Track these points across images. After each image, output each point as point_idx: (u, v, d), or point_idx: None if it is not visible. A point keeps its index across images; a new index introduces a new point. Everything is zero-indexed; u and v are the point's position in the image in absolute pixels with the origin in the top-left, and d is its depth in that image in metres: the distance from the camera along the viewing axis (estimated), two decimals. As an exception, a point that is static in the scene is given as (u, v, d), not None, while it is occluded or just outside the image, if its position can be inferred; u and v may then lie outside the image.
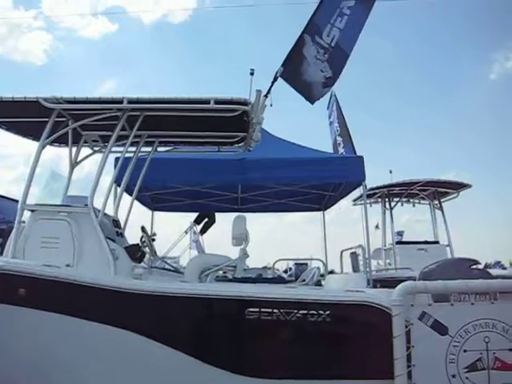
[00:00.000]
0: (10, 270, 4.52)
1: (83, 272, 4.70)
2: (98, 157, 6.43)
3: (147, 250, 6.19)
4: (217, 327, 4.61)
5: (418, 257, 10.48)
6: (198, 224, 9.93)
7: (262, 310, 4.49)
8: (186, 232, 11.44)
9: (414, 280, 5.25)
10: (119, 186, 6.54)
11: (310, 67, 6.25)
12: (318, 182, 8.79)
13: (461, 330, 4.65)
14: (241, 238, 5.92)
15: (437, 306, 4.69)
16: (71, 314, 4.48)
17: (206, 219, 9.98)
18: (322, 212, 11.36)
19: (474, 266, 6.09)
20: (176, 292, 4.60)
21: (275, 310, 4.50)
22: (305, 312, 4.51)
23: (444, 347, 4.63)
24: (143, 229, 6.33)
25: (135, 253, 5.44)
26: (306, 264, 11.45)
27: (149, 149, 6.78)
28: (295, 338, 4.64)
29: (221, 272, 6.84)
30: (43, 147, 5.44)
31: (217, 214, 9.94)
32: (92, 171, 6.10)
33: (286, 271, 14.35)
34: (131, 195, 6.86)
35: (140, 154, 6.67)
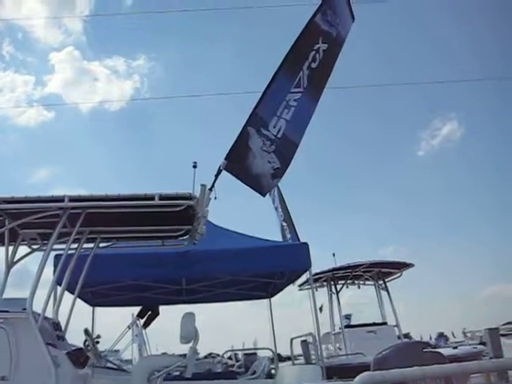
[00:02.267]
0: None
1: None
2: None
3: (91, 354, 5.87)
4: None
5: (368, 339, 10.47)
6: (142, 318, 9.62)
7: None
8: (128, 327, 10.99)
9: (368, 366, 5.19)
10: (59, 284, 6.26)
11: (256, 159, 6.34)
12: (264, 270, 8.73)
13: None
14: (190, 336, 5.74)
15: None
16: None
17: (150, 312, 9.70)
18: (268, 299, 11.21)
19: (426, 349, 6.11)
20: None
21: None
22: None
23: None
24: (87, 331, 6.05)
25: (78, 358, 5.14)
26: (255, 354, 11.15)
27: (90, 245, 6.59)
28: None
29: None
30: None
31: (161, 307, 9.71)
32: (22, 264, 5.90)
33: (230, 358, 13.79)
34: (71, 292, 6.58)
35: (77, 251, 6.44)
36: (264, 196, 6.76)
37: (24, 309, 4.95)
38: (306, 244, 8.20)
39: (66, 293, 6.43)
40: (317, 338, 7.89)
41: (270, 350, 10.28)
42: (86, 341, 5.98)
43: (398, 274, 12.05)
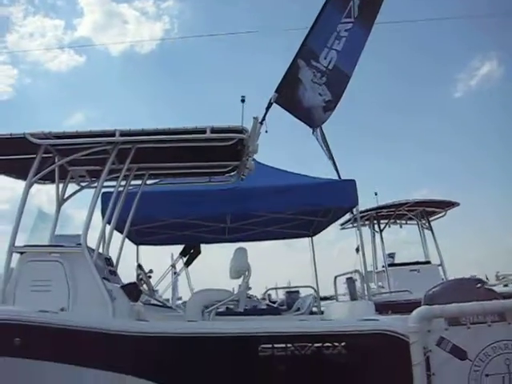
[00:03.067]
0: (3, 318, 4.21)
1: (80, 316, 4.42)
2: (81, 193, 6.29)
3: (144, 287, 5.93)
4: (229, 366, 4.37)
5: (411, 278, 10.38)
6: (184, 256, 9.69)
7: (275, 345, 4.28)
8: (172, 266, 11.14)
9: (416, 303, 5.09)
10: (108, 222, 6.28)
11: (306, 91, 6.14)
12: (309, 207, 8.64)
13: (480, 354, 4.50)
14: (242, 270, 5.72)
15: (454, 330, 4.54)
16: (72, 363, 4.18)
17: (192, 251, 9.76)
18: (310, 238, 11.20)
19: (480, 286, 5.97)
20: (186, 332, 4.36)
21: (289, 345, 4.29)
22: (319, 345, 4.32)
23: (465, 373, 4.46)
24: (140, 266, 6.10)
25: (132, 292, 5.18)
26: (298, 292, 11.21)
27: (137, 182, 6.57)
28: (311, 373, 4.44)
29: None
30: (31, 185, 5.20)
31: (203, 246, 9.77)
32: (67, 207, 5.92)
33: (264, 298, 13.91)
34: (118, 231, 6.62)
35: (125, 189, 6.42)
36: (315, 129, 6.59)
37: (78, 244, 4.97)
38: (353, 181, 8.06)
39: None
40: (363, 275, 7.85)
41: (312, 287, 10.30)
42: (139, 275, 6.04)
43: (443, 213, 11.84)
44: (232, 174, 6.49)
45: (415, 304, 4.92)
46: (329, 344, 4.32)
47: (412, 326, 4.39)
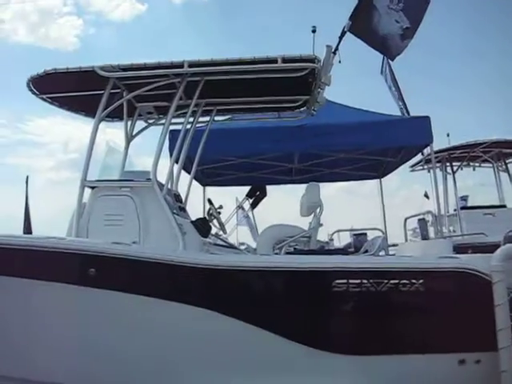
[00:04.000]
0: (79, 249, 4.26)
1: (153, 249, 4.42)
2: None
3: (215, 223, 5.91)
4: (303, 301, 4.30)
5: (485, 222, 9.94)
6: (251, 198, 9.64)
7: (351, 281, 4.15)
8: (239, 207, 11.14)
9: (493, 246, 4.82)
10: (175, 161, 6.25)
11: (382, 18, 5.75)
12: (381, 145, 8.34)
13: None
14: (314, 206, 5.59)
15: (541, 269, 4.26)
16: (145, 294, 4.21)
17: (258, 193, 9.68)
18: (379, 180, 10.91)
19: None
20: (261, 266, 4.29)
21: (364, 281, 4.15)
22: (396, 282, 4.16)
23: (550, 314, 4.22)
24: (210, 201, 6.05)
25: (203, 227, 5.14)
26: (365, 234, 10.99)
27: (205, 119, 6.48)
28: (386, 310, 4.31)
29: None
30: (100, 121, 5.18)
31: (268, 187, 9.66)
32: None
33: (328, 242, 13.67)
34: (185, 171, 6.61)
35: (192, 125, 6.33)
36: (393, 60, 6.21)
37: (148, 179, 4.95)
38: (427, 117, 7.68)
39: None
40: (437, 216, 7.57)
41: (380, 230, 10.09)
42: (209, 210, 6.02)
43: (521, 155, 11.22)
44: (302, 109, 6.27)
45: (493, 246, 4.67)
46: (406, 281, 4.15)
47: (495, 265, 4.16)
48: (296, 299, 4.28)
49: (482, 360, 4.23)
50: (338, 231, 10.70)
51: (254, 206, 10.61)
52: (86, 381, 4.35)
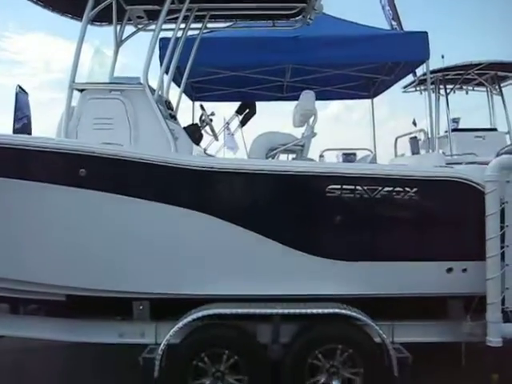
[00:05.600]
0: (70, 149, 4.16)
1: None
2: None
3: (207, 129, 5.81)
4: (295, 206, 4.30)
5: (476, 144, 9.95)
6: (240, 114, 9.46)
7: (344, 186, 4.13)
8: (228, 123, 10.97)
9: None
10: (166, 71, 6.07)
11: None
12: (378, 59, 8.14)
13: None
14: (309, 114, 5.49)
15: (534, 182, 4.28)
16: (135, 195, 4.17)
17: (247, 110, 9.49)
18: (370, 100, 10.76)
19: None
20: (254, 169, 4.23)
21: (358, 187, 4.14)
22: (390, 189, 4.15)
23: (541, 226, 4.27)
24: (202, 107, 5.92)
25: (194, 133, 5.05)
26: (355, 154, 10.97)
27: (197, 25, 6.23)
28: (379, 217, 4.33)
29: None
30: (88, 22, 4.94)
31: (259, 105, 9.45)
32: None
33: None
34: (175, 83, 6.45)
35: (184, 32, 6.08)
36: None
37: (139, 83, 4.80)
38: (425, 33, 7.46)
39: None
40: (430, 133, 7.53)
41: (369, 150, 10.06)
42: (201, 115, 5.90)
43: (516, 79, 11.08)
44: (298, 18, 6.04)
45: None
46: (400, 189, 4.15)
47: (489, 175, 4.18)
48: (289, 203, 4.29)
49: (469, 269, 4.32)
50: (328, 150, 10.63)
51: (243, 123, 10.44)
52: (74, 281, 4.38)
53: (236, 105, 9.40)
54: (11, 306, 4.92)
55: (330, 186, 4.13)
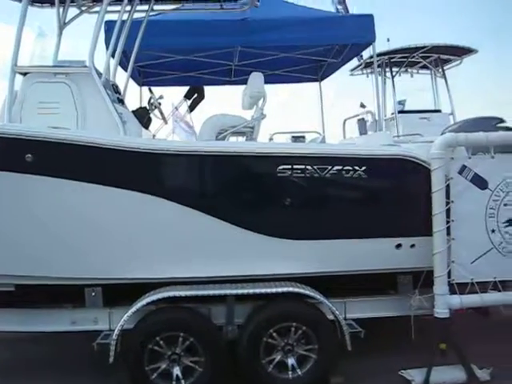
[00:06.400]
0: (15, 134, 4.05)
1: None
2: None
3: (156, 113, 5.74)
4: (247, 186, 4.32)
5: (421, 126, 10.16)
6: (189, 99, 9.39)
7: (295, 166, 4.18)
8: (176, 108, 10.85)
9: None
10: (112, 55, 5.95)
11: None
12: (325, 42, 8.16)
13: (501, 184, 4.46)
14: (258, 96, 5.49)
15: (477, 159, 4.45)
16: (84, 180, 4.10)
17: (195, 95, 9.43)
18: (318, 83, 10.84)
19: (500, 124, 5.80)
20: (204, 150, 4.23)
21: (308, 167, 4.19)
22: (339, 168, 4.23)
23: (484, 202, 4.45)
24: (150, 90, 5.85)
25: (143, 116, 4.98)
26: (304, 137, 11.04)
27: (144, 7, 6.13)
28: (329, 196, 4.41)
29: None
30: (28, 2, 4.79)
31: (207, 89, 9.42)
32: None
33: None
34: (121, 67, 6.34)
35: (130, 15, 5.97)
36: None
37: (85, 66, 4.70)
38: (370, 15, 7.53)
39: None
40: (377, 116, 7.65)
41: (318, 132, 10.15)
42: (150, 98, 5.82)
43: (458, 62, 11.33)
44: (245, -1, 6.03)
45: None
46: (349, 167, 4.24)
47: (435, 153, 4.30)
48: (239, 184, 4.32)
49: (417, 244, 4.45)
50: (277, 133, 10.66)
51: (191, 108, 10.37)
52: (22, 270, 4.29)
53: (184, 89, 9.34)
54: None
55: (281, 166, 4.17)
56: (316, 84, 10.91)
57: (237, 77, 10.49)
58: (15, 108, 4.60)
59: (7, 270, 4.27)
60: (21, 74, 4.70)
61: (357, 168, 4.22)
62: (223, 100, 12.85)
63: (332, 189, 4.34)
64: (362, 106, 11.25)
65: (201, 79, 10.26)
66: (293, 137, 10.97)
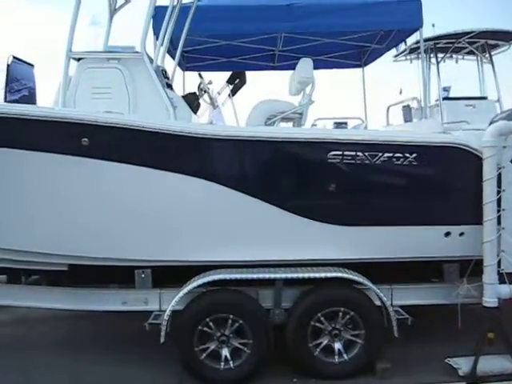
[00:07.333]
0: (72, 118, 4.15)
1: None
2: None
3: (206, 98, 5.80)
4: (298, 172, 4.36)
5: (466, 113, 9.92)
6: (231, 84, 9.41)
7: (346, 152, 4.19)
8: (218, 93, 10.90)
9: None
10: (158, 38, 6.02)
11: None
12: (371, 27, 8.06)
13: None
14: (306, 82, 5.50)
15: (530, 148, 4.37)
16: (138, 164, 4.19)
17: (237, 80, 9.44)
18: (361, 69, 10.74)
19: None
20: (259, 136, 4.28)
21: (359, 153, 4.19)
22: (390, 155, 4.22)
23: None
24: (200, 75, 5.91)
25: (193, 102, 5.04)
26: (346, 123, 10.98)
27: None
28: (379, 183, 4.40)
29: None
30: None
31: (249, 75, 9.42)
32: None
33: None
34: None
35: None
36: None
37: (137, 51, 4.78)
38: (418, 1, 7.41)
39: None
40: (422, 103, 7.55)
41: (360, 118, 10.08)
42: (200, 84, 5.88)
43: (506, 47, 11.01)
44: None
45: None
46: (400, 154, 4.22)
47: (487, 141, 4.25)
48: (290, 169, 4.35)
49: (466, 233, 4.42)
50: (320, 119, 10.63)
51: (233, 93, 10.40)
52: (76, 250, 4.43)
53: (225, 75, 9.38)
54: (14, 277, 4.97)
55: (332, 153, 4.18)
56: (356, 70, 10.83)
57: (279, 62, 10.49)
58: (69, 93, 4.72)
59: (63, 250, 4.41)
60: (75, 59, 4.81)
61: (407, 155, 4.20)
62: (264, 85, 12.84)
63: (382, 176, 4.33)
64: (401, 92, 11.11)
65: (243, 65, 10.28)
66: (335, 123, 10.93)
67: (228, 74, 9.16)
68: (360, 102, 10.88)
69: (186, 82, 10.29)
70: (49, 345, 5.35)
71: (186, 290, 4.24)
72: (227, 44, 9.34)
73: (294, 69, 10.47)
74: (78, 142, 4.13)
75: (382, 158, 4.19)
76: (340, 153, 4.18)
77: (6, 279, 5.00)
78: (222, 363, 4.33)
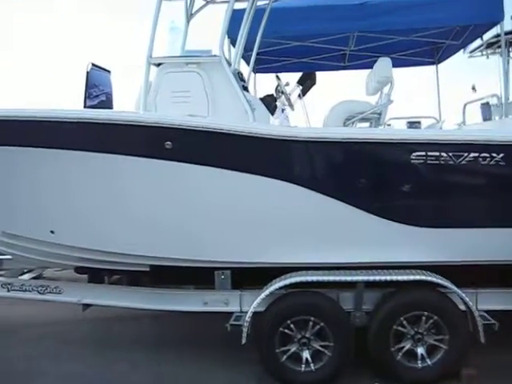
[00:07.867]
0: (155, 122, 4.27)
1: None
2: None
3: (283, 100, 5.82)
4: (381, 173, 4.30)
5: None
6: (302, 85, 9.36)
7: (429, 153, 4.09)
8: (289, 94, 10.90)
9: None
10: (233, 44, 6.08)
11: None
12: (448, 23, 7.83)
13: None
14: (385, 81, 5.42)
15: None
16: (222, 166, 4.25)
17: (308, 80, 9.37)
18: (435, 66, 10.45)
19: None
20: (341, 137, 4.25)
21: (443, 154, 4.09)
22: (476, 155, 4.08)
23: None
24: (278, 77, 5.93)
25: (270, 104, 5.07)
26: (419, 122, 10.72)
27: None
28: (464, 184, 4.28)
29: None
30: (162, -4, 4.99)
31: (318, 74, 9.34)
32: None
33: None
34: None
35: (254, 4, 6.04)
36: None
37: (215, 55, 4.85)
38: (499, -8, 7.13)
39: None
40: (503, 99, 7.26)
41: (434, 118, 9.82)
42: (277, 86, 5.90)
43: None
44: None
45: None
46: (486, 154, 4.08)
47: None
48: (373, 171, 4.29)
49: None
50: (393, 118, 10.43)
51: (303, 93, 10.33)
52: (159, 252, 4.54)
53: (295, 75, 9.34)
54: (96, 276, 5.16)
55: (415, 153, 4.10)
56: (429, 68, 10.56)
57: (350, 62, 10.37)
58: (150, 97, 4.84)
59: (146, 252, 4.54)
60: (155, 65, 4.93)
61: (494, 155, 4.06)
62: (335, 85, 12.74)
63: (467, 176, 4.22)
64: (474, 89, 10.69)
65: (313, 65, 10.23)
66: (408, 122, 10.68)
67: (297, 75, 9.18)
68: (432, 100, 10.62)
69: (258, 83, 10.40)
70: (130, 343, 5.52)
71: (267, 291, 4.26)
72: (298, 45, 9.33)
73: (364, 68, 10.42)
74: (161, 145, 4.23)
75: (467, 158, 4.07)
76: (423, 153, 4.09)
77: (88, 278, 5.20)
78: (303, 365, 4.33)
